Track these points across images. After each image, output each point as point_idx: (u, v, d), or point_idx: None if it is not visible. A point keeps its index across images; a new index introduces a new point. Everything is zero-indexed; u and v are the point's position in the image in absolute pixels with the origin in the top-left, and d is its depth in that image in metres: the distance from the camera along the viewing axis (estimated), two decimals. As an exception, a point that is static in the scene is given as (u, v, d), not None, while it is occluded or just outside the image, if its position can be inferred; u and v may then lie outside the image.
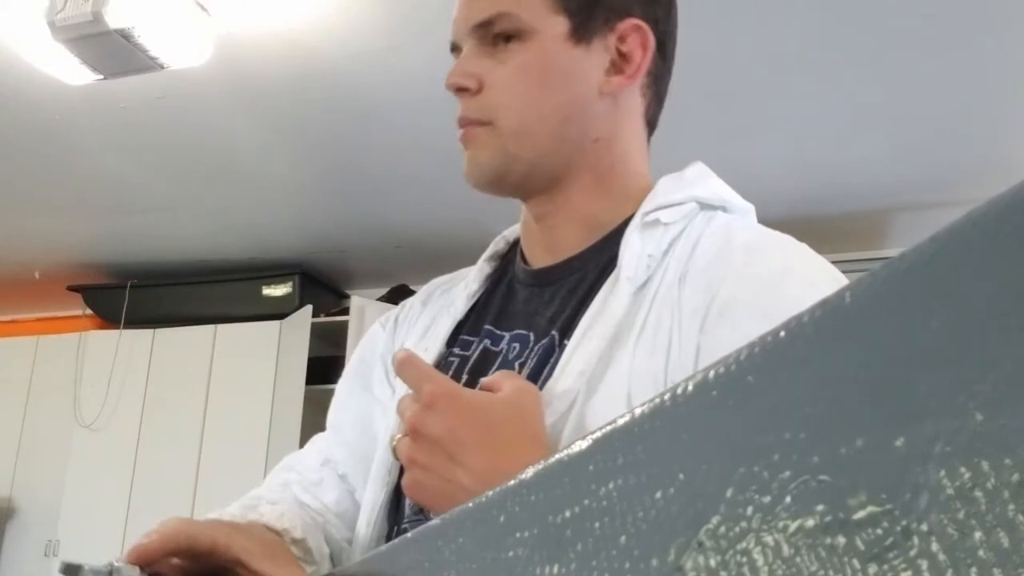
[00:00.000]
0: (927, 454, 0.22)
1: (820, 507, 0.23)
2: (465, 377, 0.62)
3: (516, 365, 0.61)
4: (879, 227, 3.14)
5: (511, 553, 0.32)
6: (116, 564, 0.45)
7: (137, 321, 3.83)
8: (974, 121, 2.44)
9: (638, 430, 0.30)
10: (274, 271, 3.67)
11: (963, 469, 0.21)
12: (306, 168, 2.88)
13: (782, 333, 0.26)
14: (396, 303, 0.87)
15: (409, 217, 3.22)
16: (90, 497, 3.67)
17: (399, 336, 0.74)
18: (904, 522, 0.22)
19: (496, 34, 0.61)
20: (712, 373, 0.28)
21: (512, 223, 0.78)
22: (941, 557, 0.21)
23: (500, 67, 0.61)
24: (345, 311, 3.68)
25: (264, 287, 3.67)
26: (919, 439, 0.22)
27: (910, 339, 0.23)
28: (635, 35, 0.63)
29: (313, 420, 3.47)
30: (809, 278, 0.55)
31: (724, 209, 0.65)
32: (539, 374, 0.58)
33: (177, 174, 2.96)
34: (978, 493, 0.20)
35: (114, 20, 1.78)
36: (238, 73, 2.27)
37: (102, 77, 2.00)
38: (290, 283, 3.64)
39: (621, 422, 0.31)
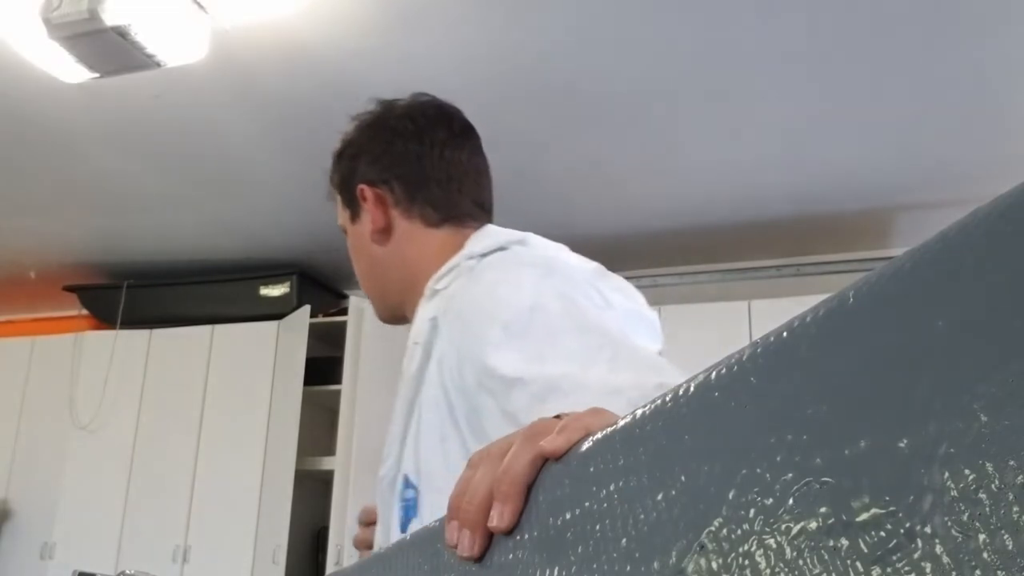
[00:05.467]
0: (931, 456, 0.21)
1: (823, 509, 0.23)
2: None
3: None
4: (883, 226, 3.14)
5: (511, 556, 0.32)
6: (128, 572, 0.45)
7: (133, 321, 3.82)
8: (976, 120, 2.44)
9: (639, 431, 0.30)
10: (271, 271, 3.66)
11: (967, 471, 0.20)
12: (304, 166, 2.87)
13: (784, 333, 0.26)
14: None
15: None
16: (86, 499, 3.65)
17: None
18: (908, 524, 0.21)
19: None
20: (714, 374, 0.28)
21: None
22: (945, 560, 0.20)
23: None
24: (343, 311, 3.67)
25: (261, 287, 3.66)
26: (923, 440, 0.22)
27: (914, 339, 0.23)
28: (368, 195, 0.85)
29: (311, 421, 3.46)
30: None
31: (502, 248, 0.77)
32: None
33: (174, 173, 2.95)
34: (982, 495, 0.20)
35: (110, 17, 1.78)
36: (235, 71, 2.27)
37: (98, 75, 1.99)
38: (288, 283, 3.63)
39: (622, 423, 0.31)
